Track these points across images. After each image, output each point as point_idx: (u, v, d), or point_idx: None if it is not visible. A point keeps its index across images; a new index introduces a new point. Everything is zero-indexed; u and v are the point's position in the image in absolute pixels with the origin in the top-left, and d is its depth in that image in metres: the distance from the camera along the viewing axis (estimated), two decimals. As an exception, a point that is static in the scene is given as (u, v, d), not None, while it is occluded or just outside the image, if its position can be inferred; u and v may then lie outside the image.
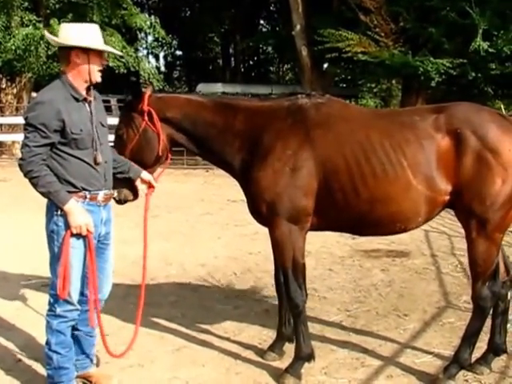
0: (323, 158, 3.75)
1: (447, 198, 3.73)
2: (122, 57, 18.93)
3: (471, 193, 3.65)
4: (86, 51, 3.36)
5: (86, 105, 3.47)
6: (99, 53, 3.42)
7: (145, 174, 3.90)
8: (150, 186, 3.96)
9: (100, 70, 3.46)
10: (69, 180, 3.37)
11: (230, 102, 4.11)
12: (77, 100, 3.42)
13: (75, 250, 3.41)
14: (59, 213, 3.37)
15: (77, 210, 3.34)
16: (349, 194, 3.74)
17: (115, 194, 3.77)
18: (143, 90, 4.00)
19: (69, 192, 3.35)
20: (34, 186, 3.31)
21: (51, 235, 3.45)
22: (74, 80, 3.42)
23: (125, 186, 3.89)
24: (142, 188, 3.93)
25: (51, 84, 3.51)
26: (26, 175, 3.31)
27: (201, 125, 4.00)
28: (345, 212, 3.81)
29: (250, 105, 4.06)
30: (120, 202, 3.96)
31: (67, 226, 3.37)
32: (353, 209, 3.78)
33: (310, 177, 3.75)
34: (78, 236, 3.40)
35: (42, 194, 3.33)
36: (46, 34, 3.78)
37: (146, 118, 3.91)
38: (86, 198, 3.43)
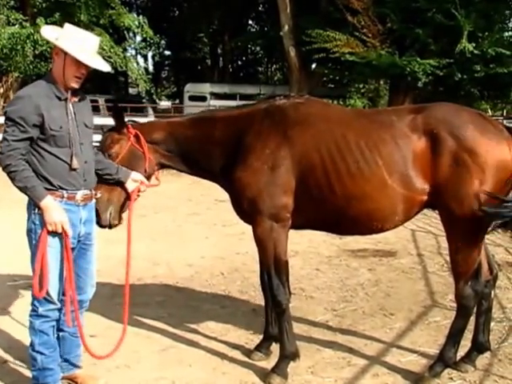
0: (300, 156, 3.79)
1: (425, 197, 3.76)
2: (109, 57, 18.85)
3: (449, 193, 3.67)
4: (64, 53, 3.32)
5: (70, 104, 3.44)
6: (78, 61, 3.33)
7: (135, 174, 3.90)
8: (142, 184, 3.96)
9: (78, 77, 3.39)
10: (45, 177, 3.35)
11: (208, 116, 4.27)
12: (59, 99, 3.40)
13: (52, 249, 3.39)
14: (36, 211, 3.36)
15: (53, 207, 3.32)
16: (325, 191, 3.78)
17: (98, 195, 3.73)
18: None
19: (46, 189, 3.33)
20: (12, 180, 3.30)
21: (29, 234, 3.44)
22: (57, 78, 3.40)
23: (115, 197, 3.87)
24: (133, 187, 3.88)
25: (37, 81, 3.51)
26: (3, 169, 3.30)
27: (183, 141, 4.11)
28: (322, 209, 3.86)
29: (229, 114, 4.15)
30: (105, 227, 3.86)
31: (43, 224, 3.35)
32: (330, 206, 3.82)
33: (289, 175, 3.79)
34: (55, 234, 3.37)
35: (19, 188, 3.32)
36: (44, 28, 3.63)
37: (132, 139, 4.00)
38: (63, 197, 3.40)
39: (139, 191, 3.94)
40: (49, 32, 3.47)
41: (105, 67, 3.50)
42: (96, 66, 3.42)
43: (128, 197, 3.90)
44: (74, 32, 3.41)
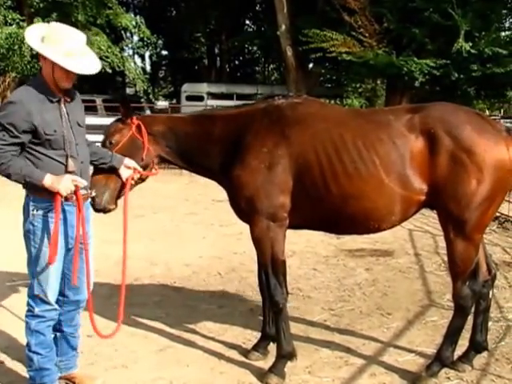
0: (298, 155, 3.80)
1: (423, 197, 3.76)
2: (107, 57, 18.84)
3: (447, 193, 3.68)
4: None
5: (62, 105, 3.41)
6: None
7: (128, 161, 3.88)
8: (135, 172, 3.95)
9: (69, 78, 3.34)
10: None
11: (209, 114, 4.34)
12: (51, 101, 3.36)
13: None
14: (35, 212, 3.36)
15: (56, 179, 3.28)
16: (322, 190, 3.79)
17: (93, 194, 3.73)
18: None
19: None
20: (8, 176, 3.27)
21: (27, 235, 3.43)
22: (48, 80, 3.35)
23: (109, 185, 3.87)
24: (127, 174, 3.87)
25: (27, 82, 3.46)
26: None
27: (182, 136, 4.12)
28: (320, 209, 3.86)
29: (228, 112, 4.17)
30: (100, 210, 3.84)
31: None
32: (327, 206, 3.83)
33: (286, 174, 3.80)
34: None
35: (17, 180, 3.29)
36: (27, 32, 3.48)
37: (134, 129, 4.01)
38: (61, 197, 3.38)
39: (133, 179, 3.94)
40: (33, 35, 3.34)
41: (94, 69, 3.41)
42: (85, 71, 3.34)
43: (123, 184, 3.91)
44: (59, 33, 3.30)
